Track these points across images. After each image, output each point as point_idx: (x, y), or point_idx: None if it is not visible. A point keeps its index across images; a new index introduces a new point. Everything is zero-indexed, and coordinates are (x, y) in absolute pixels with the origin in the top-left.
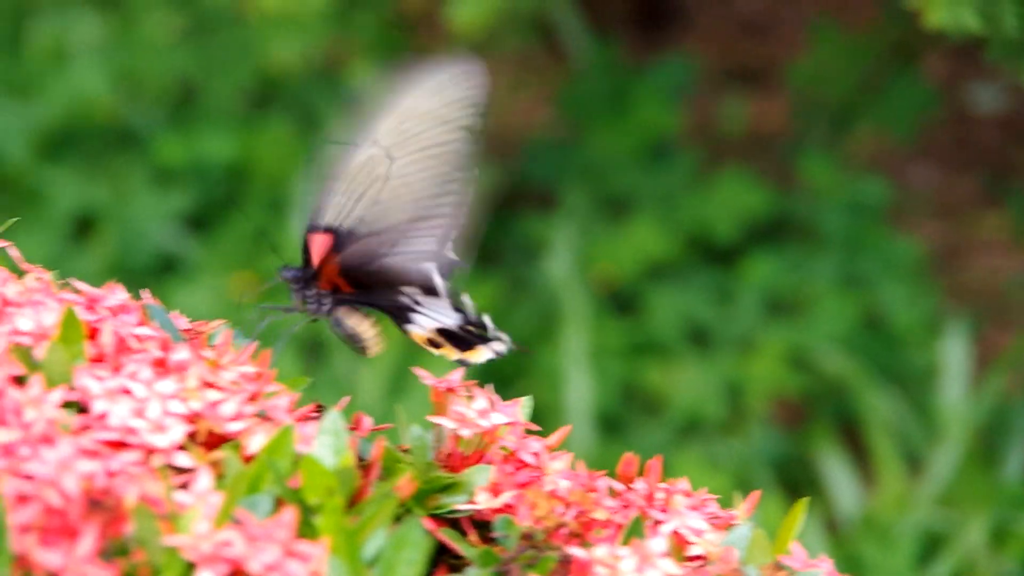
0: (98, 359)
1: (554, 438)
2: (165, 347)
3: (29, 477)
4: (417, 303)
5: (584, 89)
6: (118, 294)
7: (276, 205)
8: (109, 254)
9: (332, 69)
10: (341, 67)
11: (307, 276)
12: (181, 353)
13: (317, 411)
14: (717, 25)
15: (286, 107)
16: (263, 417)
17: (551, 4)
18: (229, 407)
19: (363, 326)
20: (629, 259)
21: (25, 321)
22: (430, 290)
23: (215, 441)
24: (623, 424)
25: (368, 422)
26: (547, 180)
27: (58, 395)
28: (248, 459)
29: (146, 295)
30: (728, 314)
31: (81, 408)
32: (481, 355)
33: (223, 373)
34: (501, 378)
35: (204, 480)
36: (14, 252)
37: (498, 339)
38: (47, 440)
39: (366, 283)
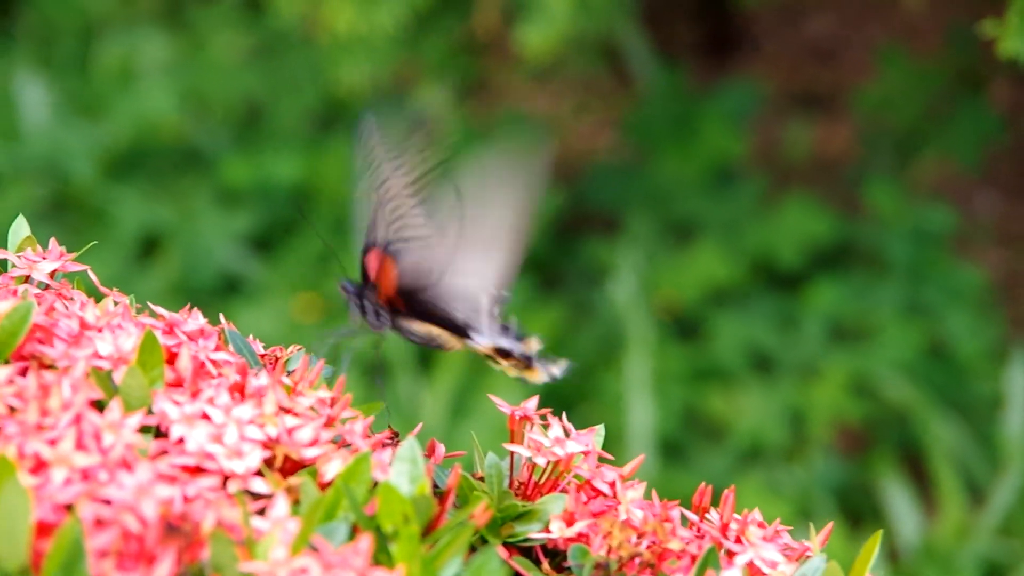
0: (176, 384)
1: (628, 467)
2: (243, 372)
3: (107, 502)
4: (469, 323)
5: (649, 114)
6: (196, 319)
7: (340, 226)
8: (173, 274)
9: (399, 91)
10: (409, 89)
11: (366, 290)
12: (259, 379)
13: (392, 437)
14: (783, 50)
15: (351, 129)
16: (339, 443)
17: (618, 29)
18: (306, 433)
19: (430, 328)
20: (693, 284)
21: (104, 345)
22: (477, 310)
23: (292, 467)
24: (685, 449)
25: (441, 449)
26: (611, 204)
27: (136, 420)
28: (324, 485)
29: (224, 320)
30: (791, 340)
31: (159, 433)
32: (540, 375)
33: (300, 399)
34: (563, 403)
35: (281, 506)
36: (93, 276)
37: (554, 361)
38: (125, 465)
39: (418, 306)
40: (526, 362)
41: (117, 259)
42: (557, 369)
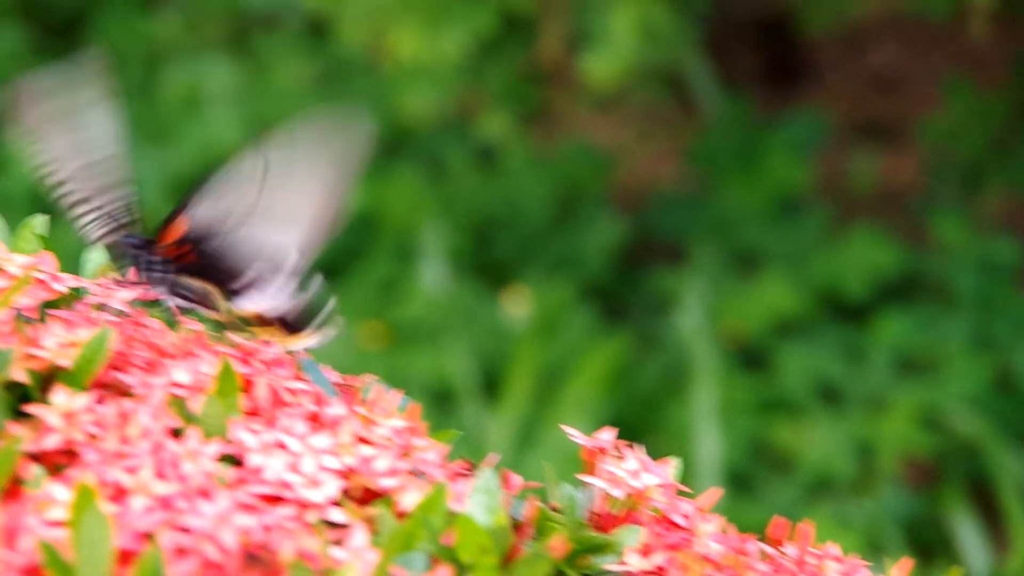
0: (253, 412)
1: (705, 500)
2: (319, 401)
3: (187, 530)
4: (260, 280)
5: (714, 143)
6: (273, 347)
7: (404, 254)
8: None
9: (463, 120)
10: (472, 118)
11: (146, 242)
12: (335, 408)
13: (467, 467)
14: (847, 80)
15: (415, 156)
16: (415, 473)
17: (682, 58)
18: (383, 463)
19: (209, 286)
20: (758, 315)
21: (182, 374)
22: (277, 270)
23: (368, 497)
24: (752, 481)
25: (516, 480)
26: (676, 234)
27: (215, 448)
28: (401, 515)
29: (301, 352)
30: (858, 372)
31: (236, 461)
32: (307, 340)
33: (376, 428)
34: (629, 433)
35: (359, 536)
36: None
37: (329, 325)
38: (204, 493)
39: (216, 256)
40: (297, 328)
41: None
42: (329, 332)
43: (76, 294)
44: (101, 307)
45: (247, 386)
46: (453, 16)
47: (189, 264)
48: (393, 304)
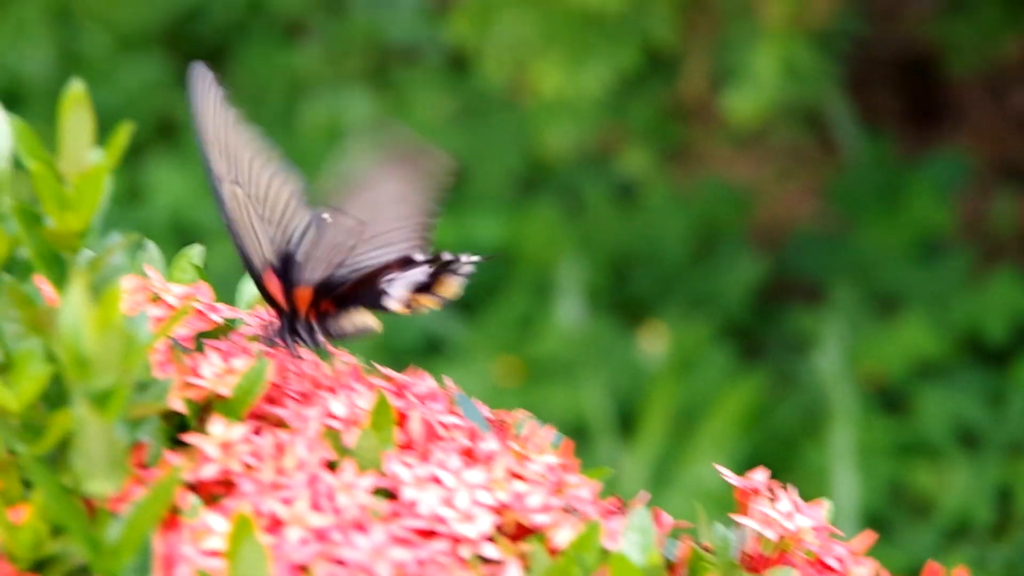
0: (407, 446)
1: (859, 543)
2: (473, 436)
3: (342, 563)
4: (393, 280)
5: (854, 182)
6: (427, 382)
7: (541, 289)
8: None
9: (603, 156)
10: (613, 154)
11: (287, 319)
12: (489, 443)
13: (619, 505)
14: (989, 120)
15: (554, 192)
16: (568, 509)
17: (823, 96)
18: (536, 499)
19: (358, 318)
20: (898, 357)
21: (337, 406)
22: (407, 265)
23: (521, 533)
24: (889, 524)
25: (667, 519)
26: (815, 273)
27: (369, 481)
28: (554, 552)
29: (451, 383)
30: (998, 416)
31: (391, 495)
32: (452, 287)
33: (529, 464)
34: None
35: (513, 573)
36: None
37: (462, 262)
38: (359, 526)
39: (350, 293)
40: (435, 282)
41: None
42: (466, 269)
43: (231, 324)
44: (256, 338)
45: (401, 420)
46: (596, 52)
47: (331, 314)
48: (529, 340)
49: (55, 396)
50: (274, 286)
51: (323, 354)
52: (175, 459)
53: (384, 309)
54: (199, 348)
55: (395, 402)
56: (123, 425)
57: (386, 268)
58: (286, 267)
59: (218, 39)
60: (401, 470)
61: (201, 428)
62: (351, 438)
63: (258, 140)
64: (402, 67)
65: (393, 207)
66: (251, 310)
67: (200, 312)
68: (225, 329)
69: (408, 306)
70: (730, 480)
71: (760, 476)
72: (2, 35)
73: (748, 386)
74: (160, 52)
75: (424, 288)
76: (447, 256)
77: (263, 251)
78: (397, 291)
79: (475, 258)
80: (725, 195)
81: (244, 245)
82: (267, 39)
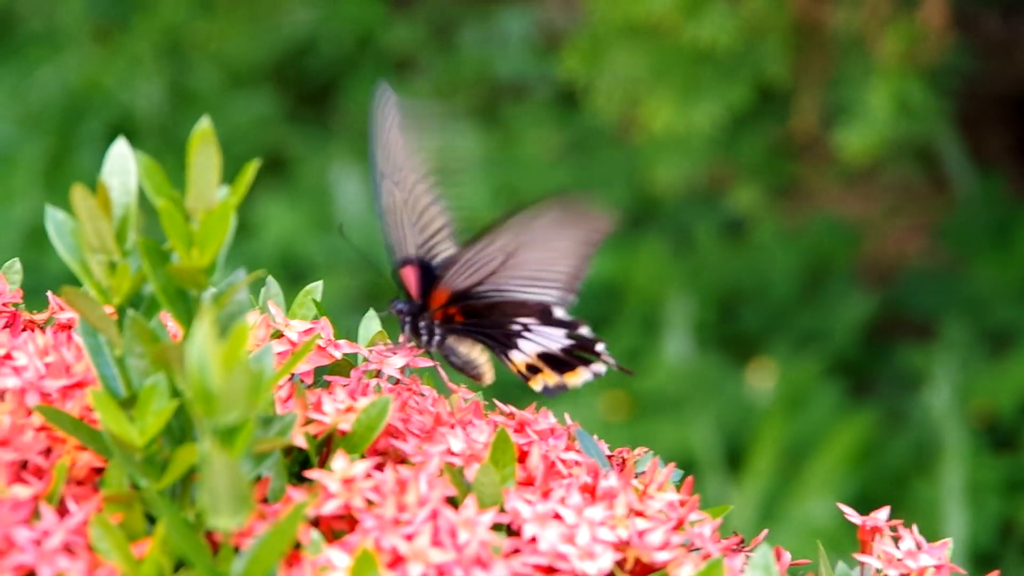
0: (527, 483)
1: None
2: (594, 473)
3: None
4: (528, 330)
5: (965, 219)
6: (547, 418)
7: (649, 324)
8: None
9: (713, 191)
10: (722, 190)
11: (417, 308)
12: (609, 479)
13: (739, 542)
14: None
15: (663, 227)
16: (689, 546)
17: (934, 133)
18: (657, 536)
19: (475, 352)
20: (1009, 394)
21: (457, 442)
22: (546, 318)
23: (642, 570)
24: (999, 562)
25: (787, 557)
26: (925, 310)
27: (490, 517)
28: None
29: (571, 420)
30: None
31: (511, 531)
32: (580, 377)
33: (650, 501)
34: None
35: None
36: (442, 372)
37: (601, 360)
38: (480, 563)
39: (483, 312)
40: (568, 366)
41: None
42: (599, 368)
43: (351, 360)
44: (376, 374)
45: (522, 456)
46: (707, 88)
47: (457, 325)
48: (638, 374)
49: (178, 431)
50: (411, 278)
51: (435, 356)
52: (298, 494)
53: (504, 357)
54: (318, 383)
55: (516, 438)
56: (247, 460)
57: (524, 307)
58: (426, 270)
59: (327, 75)
60: (522, 506)
61: (322, 463)
62: (472, 474)
63: (427, 170)
64: (511, 102)
65: (551, 251)
66: (371, 346)
67: (321, 348)
68: (345, 365)
69: (528, 368)
70: (852, 519)
71: (882, 515)
72: (115, 70)
73: (857, 423)
74: (269, 87)
75: (554, 363)
76: (585, 332)
77: (407, 247)
78: (528, 348)
79: (610, 360)
80: (834, 231)
81: (391, 235)
82: (376, 75)
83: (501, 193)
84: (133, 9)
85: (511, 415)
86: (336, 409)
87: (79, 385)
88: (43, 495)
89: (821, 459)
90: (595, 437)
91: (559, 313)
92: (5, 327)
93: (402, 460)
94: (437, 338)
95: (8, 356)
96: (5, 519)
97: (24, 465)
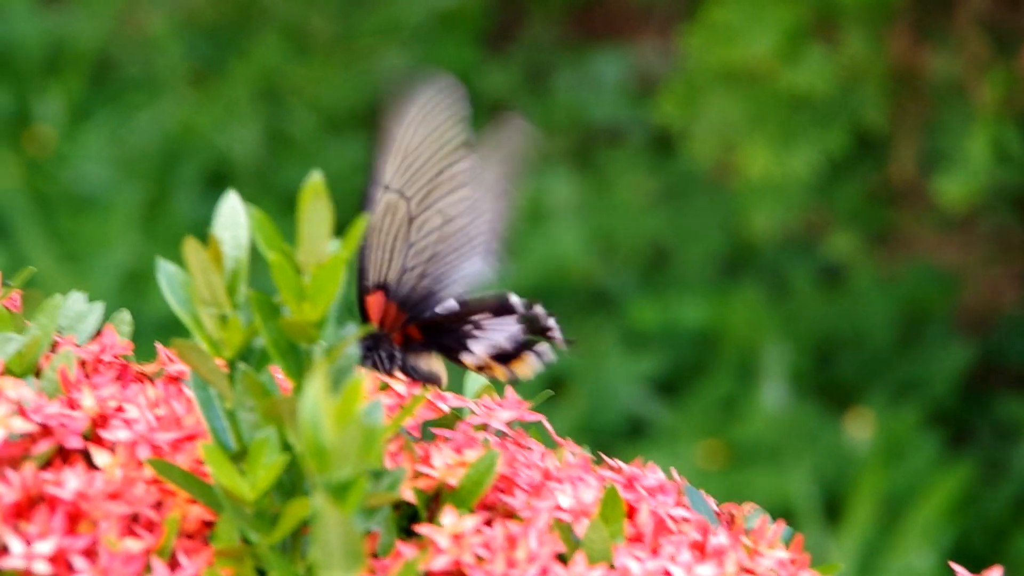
0: (636, 539)
1: None
2: (703, 530)
3: None
4: (479, 327)
5: None
6: (656, 473)
7: (745, 372)
8: (578, 415)
9: (809, 238)
10: (819, 236)
11: (377, 337)
12: (719, 536)
13: None
14: None
15: (759, 274)
16: None
17: None
18: None
19: (434, 365)
20: None
21: (565, 498)
22: (501, 308)
23: None
24: None
25: None
26: None
27: (599, 574)
28: None
29: (679, 478)
30: None
31: None
32: (528, 366)
33: (760, 559)
34: (974, 562)
35: None
36: (548, 425)
37: (548, 337)
38: None
39: (440, 323)
40: (514, 355)
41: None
42: (546, 353)
43: (458, 414)
44: (483, 427)
45: (631, 512)
46: (804, 134)
47: (417, 343)
48: (733, 423)
49: (288, 484)
50: (376, 304)
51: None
52: (408, 550)
53: (459, 361)
54: (426, 436)
55: (625, 494)
56: (358, 514)
57: (481, 304)
58: (394, 295)
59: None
60: (631, 563)
61: (430, 518)
62: (581, 530)
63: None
64: (606, 147)
65: (428, 159)
66: (478, 399)
67: (428, 401)
68: (452, 418)
69: (480, 369)
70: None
71: (996, 574)
72: (212, 115)
73: (956, 474)
74: (365, 132)
75: (503, 358)
76: (540, 314)
77: (386, 271)
78: (479, 349)
79: (558, 336)
80: (932, 279)
81: (370, 255)
82: (472, 118)
83: (595, 238)
84: (230, 53)
85: (619, 470)
86: (445, 463)
87: (190, 438)
88: (154, 549)
89: (920, 510)
90: (702, 491)
91: (514, 300)
92: (115, 379)
93: (510, 515)
94: (399, 363)
95: (119, 409)
96: (117, 572)
97: (135, 518)
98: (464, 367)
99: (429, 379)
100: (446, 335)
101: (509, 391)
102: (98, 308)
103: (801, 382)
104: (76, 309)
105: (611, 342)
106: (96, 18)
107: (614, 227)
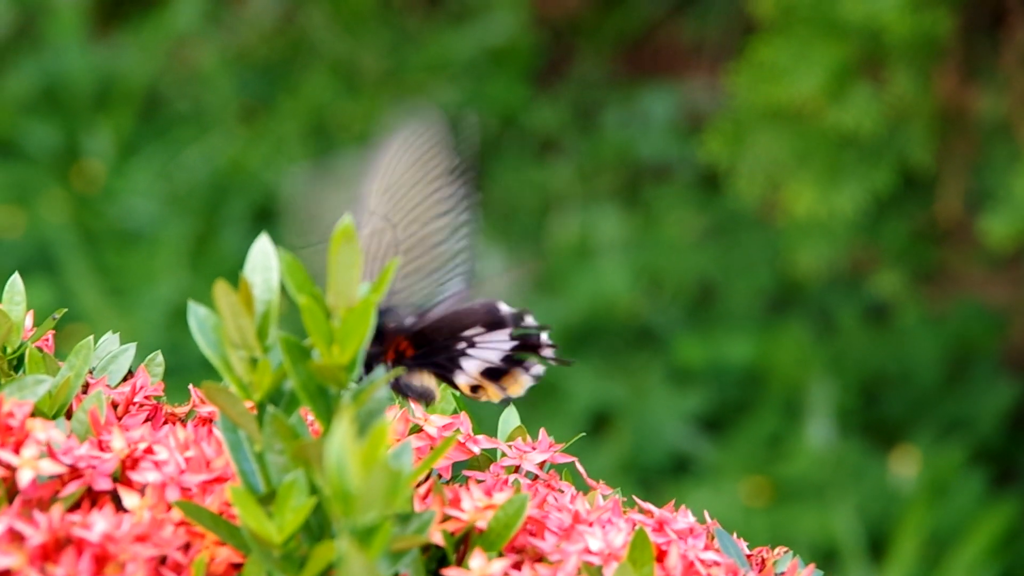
0: None
1: None
2: (732, 573)
3: None
4: (472, 345)
5: None
6: (687, 516)
7: (791, 410)
8: (623, 451)
9: (855, 276)
10: (865, 274)
11: (370, 355)
12: None
13: None
14: None
15: (805, 311)
16: None
17: None
18: None
19: (427, 380)
20: None
21: (595, 541)
22: (492, 320)
23: None
24: None
25: None
26: None
27: None
28: None
29: (711, 520)
30: None
31: None
32: (520, 384)
33: None
34: None
35: None
36: (580, 467)
37: (540, 354)
38: None
39: (432, 338)
40: (505, 373)
41: (568, 434)
42: (537, 370)
43: (490, 456)
44: (514, 469)
45: (660, 555)
46: (850, 173)
47: (409, 360)
48: (778, 460)
49: (316, 527)
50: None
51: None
52: None
53: (451, 383)
54: (456, 478)
55: (655, 537)
56: (385, 558)
57: (470, 315)
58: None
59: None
60: None
61: (459, 561)
62: (610, 573)
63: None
64: (653, 184)
65: (412, 185)
66: (510, 442)
67: (459, 443)
68: (484, 460)
69: (473, 390)
70: None
71: None
72: (260, 151)
73: (1001, 512)
74: None
75: (494, 374)
76: (531, 326)
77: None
78: (470, 367)
79: (550, 353)
80: (979, 317)
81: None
82: (520, 156)
83: (642, 275)
84: (279, 90)
85: (650, 512)
86: (474, 506)
87: (219, 480)
88: None
89: (965, 549)
90: (734, 535)
91: (504, 308)
92: (146, 420)
93: (540, 558)
94: (392, 380)
95: (149, 450)
96: None
97: (163, 560)
98: (456, 389)
99: (422, 396)
100: (438, 352)
101: (542, 433)
102: (131, 349)
103: (847, 420)
104: (109, 350)
105: (657, 379)
106: (146, 53)
107: (661, 264)
